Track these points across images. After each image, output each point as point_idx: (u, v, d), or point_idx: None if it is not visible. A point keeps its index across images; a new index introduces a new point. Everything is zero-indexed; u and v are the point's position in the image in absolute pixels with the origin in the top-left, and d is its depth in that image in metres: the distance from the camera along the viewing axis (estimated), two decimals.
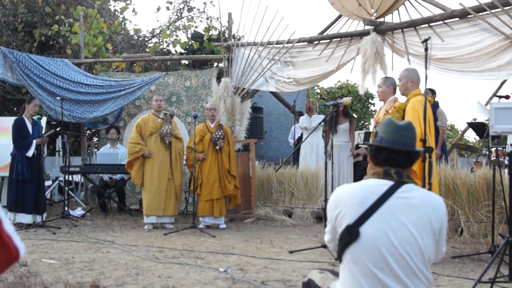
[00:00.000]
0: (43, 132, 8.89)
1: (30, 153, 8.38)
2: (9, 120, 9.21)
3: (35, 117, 8.62)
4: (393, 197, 2.49)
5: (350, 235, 2.47)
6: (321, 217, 8.95)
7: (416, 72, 6.16)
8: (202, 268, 5.49)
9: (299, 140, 11.32)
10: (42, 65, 10.60)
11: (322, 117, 9.92)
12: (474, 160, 10.15)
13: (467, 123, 10.34)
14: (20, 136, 8.41)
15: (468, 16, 8.05)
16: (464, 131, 12.00)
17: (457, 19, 8.18)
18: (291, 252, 6.41)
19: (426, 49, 4.86)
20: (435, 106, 9.09)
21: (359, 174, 9.67)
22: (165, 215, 8.45)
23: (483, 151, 9.69)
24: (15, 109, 16.84)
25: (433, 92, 9.23)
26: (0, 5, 15.86)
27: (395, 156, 2.60)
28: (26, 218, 8.36)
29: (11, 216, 8.40)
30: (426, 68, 4.88)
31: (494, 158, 7.40)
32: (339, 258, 2.60)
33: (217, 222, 8.52)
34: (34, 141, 8.43)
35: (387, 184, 2.54)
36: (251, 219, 9.24)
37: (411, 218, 2.45)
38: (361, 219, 2.46)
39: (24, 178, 8.32)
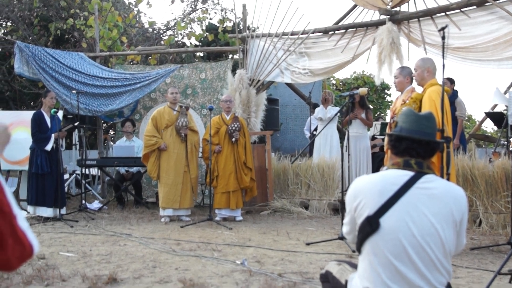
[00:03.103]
0: (61, 125, 8.93)
1: (49, 146, 8.42)
2: (26, 114, 9.26)
3: (52, 111, 8.65)
4: (414, 187, 2.46)
5: (370, 226, 2.44)
6: (337, 209, 8.91)
7: (432, 62, 6.09)
8: (219, 261, 5.48)
9: (315, 131, 11.28)
10: (57, 58, 10.63)
11: (337, 108, 9.86)
12: (492, 151, 10.03)
13: (485, 113, 10.22)
14: (39, 130, 8.45)
15: (486, 4, 7.95)
16: (482, 121, 11.87)
17: (474, 7, 8.08)
18: (308, 244, 6.39)
19: (443, 38, 4.80)
20: (453, 95, 9.00)
21: (375, 165, 9.64)
22: (182, 207, 8.46)
23: (502, 141, 9.57)
24: (32, 103, 16.95)
25: (451, 81, 9.13)
26: (16, 0, 15.93)
27: (415, 146, 2.56)
28: (47, 212, 8.42)
29: (31, 210, 8.46)
30: (443, 57, 4.82)
31: None
32: (358, 249, 2.57)
33: (234, 214, 8.51)
34: (53, 135, 8.47)
35: (407, 174, 2.51)
36: (268, 211, 9.23)
37: (432, 209, 2.42)
38: (382, 210, 2.43)
39: (43, 172, 8.37)
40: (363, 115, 9.47)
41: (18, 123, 9.85)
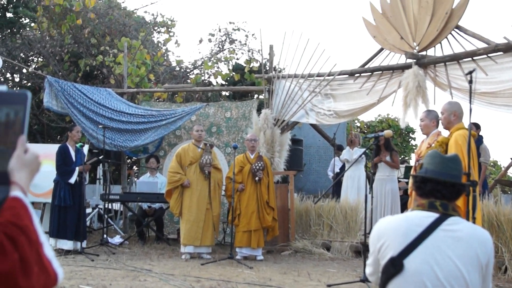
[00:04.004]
0: (86, 159, 9.02)
1: (72, 179, 8.50)
2: (53, 148, 9.38)
3: (78, 145, 8.77)
4: (439, 229, 2.43)
5: (394, 267, 2.41)
6: (360, 251, 8.81)
7: (459, 106, 6.07)
8: None
9: (339, 173, 11.23)
10: (86, 94, 10.81)
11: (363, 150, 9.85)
12: None
13: (511, 158, 10.12)
14: (64, 163, 8.55)
15: None
16: (508, 167, 11.73)
17: (501, 53, 8.08)
18: (329, 286, 6.31)
19: (470, 82, 4.80)
20: (479, 141, 8.93)
21: (400, 208, 9.55)
22: (203, 245, 8.43)
23: None
24: (58, 137, 17.17)
25: (477, 126, 9.07)
26: (48, 36, 16.30)
27: (440, 187, 2.55)
28: (67, 244, 8.44)
29: (52, 242, 8.49)
30: (470, 101, 4.81)
31: None
32: None
33: (255, 253, 8.46)
34: (77, 168, 8.56)
35: (432, 216, 2.48)
36: (289, 252, 9.16)
37: (457, 252, 2.38)
38: (406, 252, 2.40)
39: (66, 204, 8.43)
40: (388, 158, 9.43)
41: (45, 156, 9.94)
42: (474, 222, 4.56)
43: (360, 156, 8.36)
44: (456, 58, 8.56)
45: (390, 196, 9.39)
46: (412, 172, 6.93)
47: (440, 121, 6.23)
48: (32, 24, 17.71)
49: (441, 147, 5.85)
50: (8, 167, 1.47)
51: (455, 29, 8.64)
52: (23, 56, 17.78)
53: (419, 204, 2.59)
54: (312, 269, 7.58)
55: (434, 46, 8.89)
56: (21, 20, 18.52)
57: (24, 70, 16.46)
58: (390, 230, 2.50)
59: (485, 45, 8.26)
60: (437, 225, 2.44)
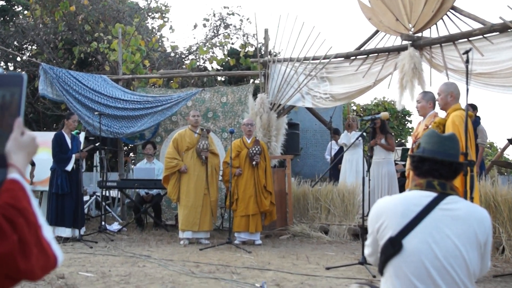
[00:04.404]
0: (82, 146, 9.00)
1: (69, 167, 8.49)
2: (49, 135, 9.35)
3: (74, 132, 8.74)
4: (437, 209, 2.42)
5: (392, 247, 2.40)
6: (357, 234, 8.83)
7: (455, 86, 6.06)
8: (238, 283, 5.45)
9: (336, 156, 11.23)
10: (81, 81, 10.77)
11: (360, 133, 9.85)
12: None
13: (508, 139, 10.13)
14: (60, 150, 8.54)
15: (509, 30, 7.92)
16: (505, 148, 11.75)
17: (497, 33, 8.06)
18: (327, 268, 6.33)
19: (467, 61, 4.78)
20: (476, 122, 8.93)
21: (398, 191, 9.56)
22: (201, 230, 8.45)
23: None
24: (54, 125, 17.13)
25: (474, 107, 9.07)
26: (42, 24, 16.21)
27: (438, 167, 2.54)
28: (65, 232, 8.45)
29: (51, 230, 8.47)
30: (467, 82, 4.80)
31: None
32: (381, 271, 2.53)
33: (253, 238, 8.48)
34: (74, 156, 8.54)
35: (430, 195, 2.48)
36: (287, 236, 9.18)
37: (456, 231, 2.38)
38: (404, 231, 2.40)
39: (63, 192, 8.43)
40: (383, 140, 9.43)
41: (42, 144, 9.90)
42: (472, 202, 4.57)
43: (357, 139, 8.36)
44: (451, 39, 8.54)
45: (387, 179, 9.41)
46: (409, 152, 6.93)
47: (437, 102, 6.22)
48: (25, 12, 17.63)
49: (438, 128, 5.84)
50: (5, 150, 1.46)
51: (450, 10, 8.60)
52: (17, 44, 17.70)
53: (417, 183, 2.59)
54: (310, 253, 7.60)
55: (430, 28, 8.86)
56: (14, 7, 18.42)
57: (18, 58, 16.38)
58: (389, 210, 2.49)
59: (480, 26, 8.23)
60: (435, 204, 2.44)
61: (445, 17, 8.68)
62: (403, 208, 2.45)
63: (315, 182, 8.02)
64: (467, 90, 4.79)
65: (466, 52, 4.78)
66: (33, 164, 9.08)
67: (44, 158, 9.49)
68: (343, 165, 10.31)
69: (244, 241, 8.46)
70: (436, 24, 8.79)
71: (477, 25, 8.31)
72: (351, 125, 10.50)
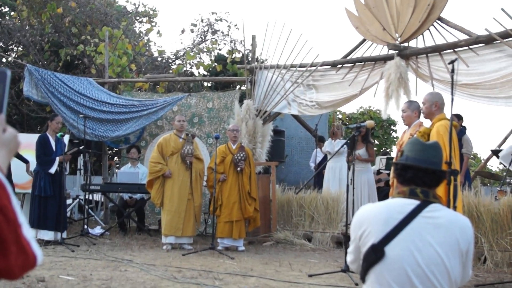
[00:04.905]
0: (66, 149, 8.95)
1: (53, 169, 8.43)
2: (33, 137, 9.28)
3: (58, 134, 8.69)
4: (419, 216, 2.43)
5: (375, 254, 2.41)
6: (341, 242, 8.84)
7: (440, 96, 6.08)
8: None
9: (320, 164, 11.24)
10: (66, 83, 10.71)
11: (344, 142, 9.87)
12: (498, 189, 9.99)
13: (491, 150, 10.20)
14: (44, 153, 8.47)
15: (494, 42, 8.00)
16: (488, 159, 11.83)
17: (483, 44, 8.13)
18: (310, 275, 6.32)
19: (452, 71, 4.80)
20: (461, 132, 8.98)
21: (380, 200, 9.59)
22: (184, 235, 8.41)
23: (507, 180, 9.53)
24: (38, 127, 17.02)
25: (459, 117, 9.12)
26: (28, 25, 16.13)
27: (421, 174, 2.55)
28: (48, 235, 8.39)
29: (33, 233, 8.38)
30: (452, 91, 4.82)
31: None
32: (363, 278, 2.53)
33: (236, 244, 8.45)
34: (57, 158, 8.49)
35: (413, 203, 2.49)
36: (270, 242, 9.17)
37: (438, 239, 2.39)
38: (386, 239, 2.40)
39: (46, 195, 8.36)
40: (363, 150, 9.45)
41: (25, 146, 9.83)
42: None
43: (341, 147, 8.37)
44: (437, 49, 8.60)
45: (366, 187, 9.44)
46: (394, 160, 6.95)
47: (421, 111, 6.25)
48: (12, 13, 17.51)
49: (422, 137, 5.86)
50: None
51: (437, 21, 8.67)
52: (3, 45, 17.58)
53: (400, 191, 2.60)
54: (293, 260, 7.59)
55: (416, 38, 8.91)
56: (0, 8, 18.30)
57: (4, 60, 16.27)
58: (371, 217, 2.50)
59: (466, 37, 8.30)
60: (418, 212, 2.45)
61: (431, 28, 8.75)
62: (386, 215, 2.46)
63: (299, 189, 8.02)
64: (452, 100, 4.81)
65: (452, 62, 4.81)
66: (26, 161, 8.98)
67: (29, 160, 9.40)
68: (326, 173, 10.30)
69: (227, 247, 8.43)
70: (422, 34, 8.85)
71: (463, 36, 8.38)
72: (335, 133, 10.52)
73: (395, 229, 2.41)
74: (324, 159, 11.16)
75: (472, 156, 25.33)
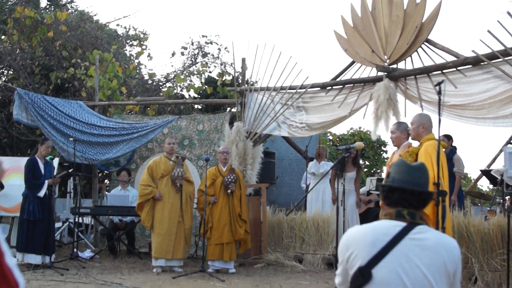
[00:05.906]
0: (55, 173, 8.91)
1: (42, 193, 8.39)
2: (22, 161, 9.25)
3: (47, 158, 8.66)
4: (406, 238, 2.44)
5: (362, 277, 2.41)
6: (332, 264, 8.82)
7: (428, 118, 6.12)
8: None
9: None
10: (56, 106, 10.70)
11: (330, 164, 9.87)
12: (488, 209, 10.01)
13: (481, 170, 10.24)
14: (33, 176, 8.44)
15: (481, 64, 8.06)
16: (478, 179, 11.90)
17: (470, 66, 8.19)
18: None
19: (439, 92, 4.84)
20: (452, 152, 9.03)
21: (370, 220, 9.56)
22: (174, 258, 8.37)
23: (497, 200, 9.56)
24: (28, 150, 16.95)
25: (449, 138, 9.17)
26: (19, 49, 16.13)
27: (407, 196, 2.56)
28: (35, 259, 8.32)
29: (20, 257, 8.34)
30: (439, 112, 4.85)
31: (509, 205, 7.30)
32: None
33: (227, 266, 8.41)
34: (46, 182, 8.45)
35: (399, 225, 2.49)
36: (261, 264, 9.12)
37: (425, 260, 2.39)
38: (374, 261, 2.40)
39: (35, 218, 8.31)
40: (354, 172, 9.50)
41: (14, 169, 9.81)
42: (443, 232, 4.59)
43: (330, 169, 8.38)
44: (426, 71, 8.66)
45: (353, 209, 9.45)
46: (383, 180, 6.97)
47: (409, 132, 6.28)
48: (3, 37, 17.51)
49: (411, 156, 5.89)
50: None
51: (424, 43, 8.74)
52: None
53: (387, 213, 2.60)
54: (284, 282, 7.56)
55: (405, 59, 8.97)
56: None
57: None
58: (358, 239, 2.50)
59: (454, 59, 8.37)
60: (404, 234, 2.45)
61: (419, 50, 8.81)
62: (373, 237, 2.46)
63: (290, 211, 8.01)
64: (439, 120, 4.85)
65: (438, 84, 4.85)
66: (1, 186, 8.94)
67: (16, 183, 9.37)
68: (310, 194, 10.29)
69: (217, 270, 8.39)
70: (411, 56, 8.91)
71: (450, 58, 8.44)
72: (321, 155, 10.54)
73: (382, 251, 2.41)
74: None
75: (462, 176, 25.44)
